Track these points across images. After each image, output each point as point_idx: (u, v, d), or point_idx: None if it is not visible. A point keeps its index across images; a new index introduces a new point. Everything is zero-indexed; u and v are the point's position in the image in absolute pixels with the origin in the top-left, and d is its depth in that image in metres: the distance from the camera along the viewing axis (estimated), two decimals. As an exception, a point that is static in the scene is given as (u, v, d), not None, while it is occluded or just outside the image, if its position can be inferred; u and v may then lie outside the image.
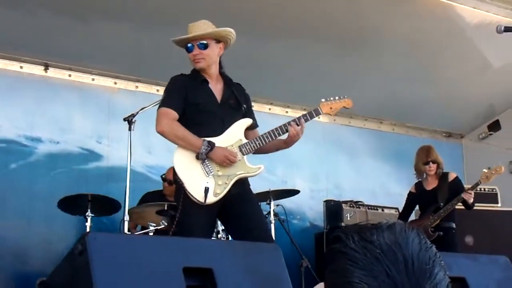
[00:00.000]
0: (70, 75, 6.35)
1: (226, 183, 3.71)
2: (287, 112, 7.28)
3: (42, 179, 6.01)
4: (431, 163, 5.84)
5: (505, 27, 3.69)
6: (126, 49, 6.11)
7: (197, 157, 3.68)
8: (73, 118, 6.28)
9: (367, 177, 7.70)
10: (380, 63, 6.79)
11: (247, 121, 3.91)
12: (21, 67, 6.14)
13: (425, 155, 5.91)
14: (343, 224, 6.53)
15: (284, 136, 3.92)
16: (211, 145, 3.69)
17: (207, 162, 3.71)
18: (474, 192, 5.68)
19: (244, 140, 3.84)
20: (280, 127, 3.86)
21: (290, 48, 6.39)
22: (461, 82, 7.29)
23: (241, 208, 3.76)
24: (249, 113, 3.98)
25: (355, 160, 7.73)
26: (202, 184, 3.65)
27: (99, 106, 6.41)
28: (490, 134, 8.17)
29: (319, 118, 7.50)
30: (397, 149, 7.89)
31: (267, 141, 3.84)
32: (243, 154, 3.80)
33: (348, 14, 6.00)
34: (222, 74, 3.98)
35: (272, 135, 3.84)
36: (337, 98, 4.14)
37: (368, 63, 6.79)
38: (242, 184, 3.82)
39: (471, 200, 5.60)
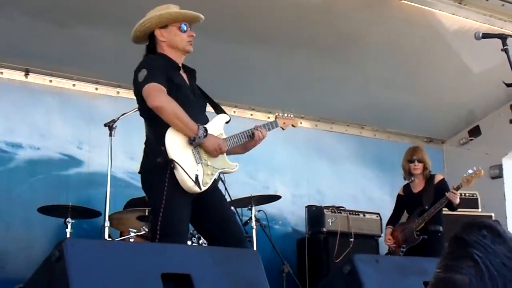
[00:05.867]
0: (50, 81, 6.31)
1: (212, 174, 3.55)
2: (268, 117, 7.25)
3: (22, 185, 5.96)
4: (416, 161, 5.84)
5: (483, 33, 3.74)
6: (107, 54, 6.08)
7: (190, 142, 3.47)
8: (54, 123, 6.24)
9: (349, 183, 7.72)
10: (360, 69, 6.83)
11: (226, 117, 3.79)
12: (1, 73, 6.10)
13: (410, 154, 5.92)
14: (324, 229, 6.55)
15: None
16: (207, 131, 3.53)
17: (197, 149, 3.51)
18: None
19: (224, 136, 3.71)
20: (250, 130, 3.80)
21: (271, 54, 6.40)
22: (441, 88, 7.34)
23: (214, 206, 3.61)
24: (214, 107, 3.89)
25: (337, 165, 7.75)
26: (194, 171, 3.45)
27: (80, 112, 6.38)
28: (471, 140, 8.22)
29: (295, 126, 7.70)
30: (379, 154, 7.94)
31: (242, 141, 3.76)
32: None
33: (328, 20, 6.02)
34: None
35: (246, 136, 3.78)
36: (291, 115, 4.19)
37: (349, 69, 6.82)
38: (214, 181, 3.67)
39: (457, 201, 5.55)
